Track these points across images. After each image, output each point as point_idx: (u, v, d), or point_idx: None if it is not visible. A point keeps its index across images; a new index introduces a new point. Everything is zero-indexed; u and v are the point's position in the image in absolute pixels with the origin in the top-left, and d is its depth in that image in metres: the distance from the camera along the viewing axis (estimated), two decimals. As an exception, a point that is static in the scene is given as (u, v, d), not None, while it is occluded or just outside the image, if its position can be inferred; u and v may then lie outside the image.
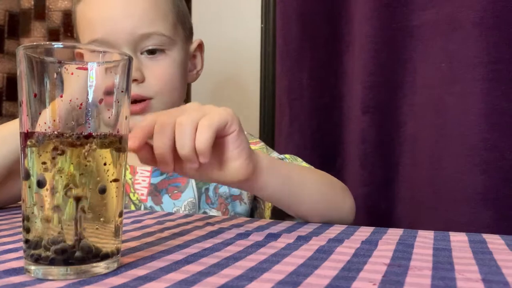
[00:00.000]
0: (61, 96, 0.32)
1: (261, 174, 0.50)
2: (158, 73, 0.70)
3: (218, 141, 0.45)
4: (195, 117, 0.43)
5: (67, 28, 1.87)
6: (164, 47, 0.71)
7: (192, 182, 0.72)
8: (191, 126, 0.43)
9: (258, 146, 0.79)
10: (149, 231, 0.49)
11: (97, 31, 0.68)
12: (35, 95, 0.32)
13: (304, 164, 0.74)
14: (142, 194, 0.71)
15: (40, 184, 0.32)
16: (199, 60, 0.81)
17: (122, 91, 0.35)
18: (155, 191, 0.71)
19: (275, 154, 0.75)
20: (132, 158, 0.69)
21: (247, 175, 0.47)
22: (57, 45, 0.33)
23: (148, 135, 0.43)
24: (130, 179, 0.72)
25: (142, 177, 0.72)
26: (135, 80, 0.68)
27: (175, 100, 0.73)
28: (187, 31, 0.77)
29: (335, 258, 0.38)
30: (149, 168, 0.72)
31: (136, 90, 0.68)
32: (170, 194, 0.71)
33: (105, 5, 0.70)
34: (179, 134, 0.43)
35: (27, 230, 0.33)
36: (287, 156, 0.74)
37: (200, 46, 0.80)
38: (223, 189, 0.72)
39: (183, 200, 0.70)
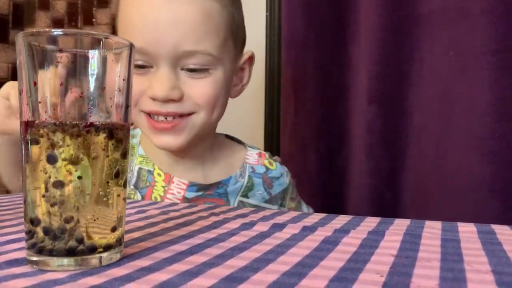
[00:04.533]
0: (61, 84, 0.32)
1: None
2: (197, 92, 0.63)
3: None
4: None
5: (71, 17, 1.86)
6: (209, 66, 0.63)
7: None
8: None
9: (280, 172, 0.75)
10: (153, 221, 0.49)
11: (138, 38, 0.60)
12: (35, 84, 0.32)
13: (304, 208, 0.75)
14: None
15: (42, 173, 0.31)
16: (246, 74, 0.73)
17: (123, 80, 0.34)
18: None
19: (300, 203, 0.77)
20: (170, 167, 0.69)
21: None
22: (57, 32, 0.33)
23: None
24: (164, 187, 0.69)
25: (177, 188, 0.68)
26: (172, 100, 0.62)
27: (213, 121, 0.67)
28: (239, 46, 0.70)
29: (341, 249, 0.37)
30: (186, 181, 0.69)
31: (172, 108, 0.63)
32: None
33: (150, 9, 0.61)
34: None
35: (29, 220, 0.32)
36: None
37: (251, 59, 0.73)
38: None
39: None
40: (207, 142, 0.71)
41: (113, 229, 0.33)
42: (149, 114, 0.65)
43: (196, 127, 0.65)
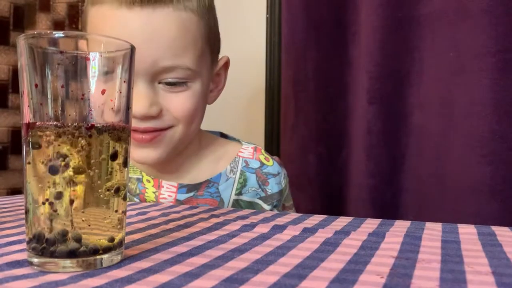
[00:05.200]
0: (62, 87, 0.32)
1: None
2: (176, 106, 0.62)
3: None
4: None
5: (72, 19, 1.86)
6: (187, 79, 0.62)
7: (229, 207, 0.69)
8: None
9: (277, 170, 0.73)
10: (154, 223, 0.49)
11: None
12: (36, 86, 0.32)
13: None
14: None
15: (44, 176, 0.31)
16: (222, 78, 0.72)
17: (124, 81, 0.34)
18: None
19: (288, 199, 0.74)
20: (155, 172, 0.68)
21: None
22: (58, 34, 0.33)
23: None
24: (154, 192, 0.68)
25: (168, 192, 0.68)
26: (151, 117, 0.61)
27: (192, 132, 0.66)
28: (215, 53, 0.69)
29: (342, 251, 0.38)
30: (175, 183, 0.69)
31: (151, 124, 0.61)
32: None
33: (123, 25, 0.58)
34: None
35: (30, 222, 0.32)
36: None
37: (226, 63, 0.72)
38: None
39: None
40: (191, 145, 0.70)
41: (114, 231, 0.33)
42: None
43: (174, 140, 0.64)
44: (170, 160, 0.66)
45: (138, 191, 0.69)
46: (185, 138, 0.66)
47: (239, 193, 0.70)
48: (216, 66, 0.70)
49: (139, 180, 0.70)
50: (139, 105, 0.59)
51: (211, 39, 0.66)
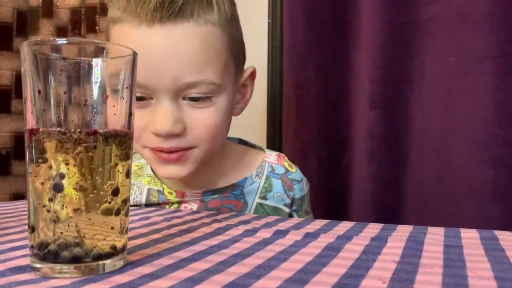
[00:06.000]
0: (65, 93, 0.32)
1: None
2: (200, 123, 0.60)
3: None
4: None
5: (75, 25, 1.87)
6: (211, 94, 0.60)
7: (251, 213, 0.69)
8: None
9: (300, 177, 0.73)
10: (156, 228, 0.49)
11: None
12: (39, 92, 0.32)
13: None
14: (191, 209, 0.67)
15: (44, 183, 0.32)
16: (249, 90, 0.70)
17: (127, 87, 0.35)
18: (205, 209, 0.68)
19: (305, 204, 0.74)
20: (178, 183, 0.68)
21: None
22: (61, 41, 0.33)
23: None
24: (178, 201, 0.69)
25: (192, 198, 0.69)
26: (176, 135, 0.59)
27: (217, 146, 0.65)
28: (240, 65, 0.66)
29: (344, 256, 0.38)
30: (199, 190, 0.69)
31: (174, 142, 0.60)
32: None
33: (144, 43, 0.57)
34: None
35: (32, 228, 0.32)
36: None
37: (253, 74, 0.70)
38: None
39: None
40: (215, 156, 0.69)
41: (117, 237, 0.33)
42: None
43: (199, 158, 0.63)
44: (195, 172, 0.65)
45: (159, 201, 0.70)
46: (210, 154, 0.65)
47: (264, 197, 0.70)
48: (241, 77, 0.68)
49: (160, 192, 0.70)
50: (163, 123, 0.58)
51: (234, 50, 0.64)
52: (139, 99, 0.59)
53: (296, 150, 1.07)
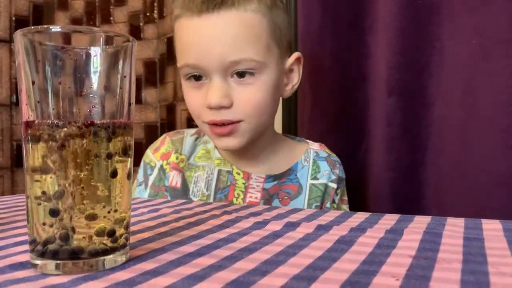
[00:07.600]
0: (60, 83, 0.31)
1: None
2: (247, 97, 0.69)
3: None
4: None
5: (89, 17, 1.87)
6: (254, 70, 0.69)
7: (306, 194, 0.77)
8: None
9: (339, 162, 0.83)
10: (164, 220, 0.48)
11: (190, 56, 0.70)
12: (34, 83, 0.31)
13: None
14: (256, 198, 0.75)
15: (44, 175, 0.31)
16: (296, 74, 0.78)
17: (125, 76, 0.33)
18: (268, 196, 0.76)
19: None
20: (246, 166, 0.77)
21: None
22: (55, 28, 0.32)
23: None
24: (244, 183, 0.76)
25: (256, 182, 0.76)
26: (224, 107, 0.68)
27: (264, 121, 0.73)
28: (283, 48, 0.75)
29: (356, 250, 0.36)
30: (262, 175, 0.77)
31: (224, 115, 0.69)
32: (280, 199, 0.76)
33: (196, 30, 0.69)
34: None
35: (31, 222, 0.31)
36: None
37: (299, 59, 0.78)
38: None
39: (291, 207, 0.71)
40: (269, 140, 0.78)
41: (117, 231, 0.32)
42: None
43: (248, 132, 0.71)
44: (248, 149, 0.75)
45: (228, 183, 0.77)
46: (258, 129, 0.73)
47: (315, 178, 0.79)
48: (286, 62, 0.76)
49: (229, 172, 0.78)
50: (214, 96, 0.68)
51: (277, 34, 0.72)
52: (197, 78, 0.71)
53: (312, 138, 1.05)
